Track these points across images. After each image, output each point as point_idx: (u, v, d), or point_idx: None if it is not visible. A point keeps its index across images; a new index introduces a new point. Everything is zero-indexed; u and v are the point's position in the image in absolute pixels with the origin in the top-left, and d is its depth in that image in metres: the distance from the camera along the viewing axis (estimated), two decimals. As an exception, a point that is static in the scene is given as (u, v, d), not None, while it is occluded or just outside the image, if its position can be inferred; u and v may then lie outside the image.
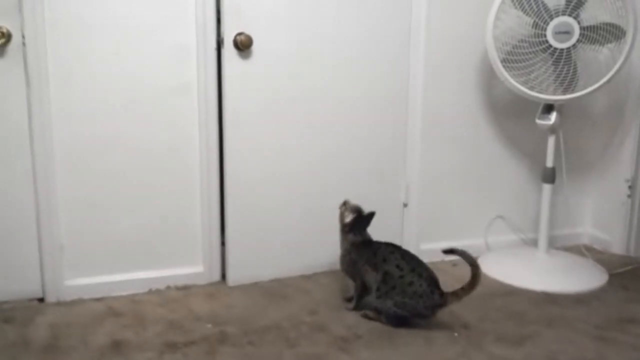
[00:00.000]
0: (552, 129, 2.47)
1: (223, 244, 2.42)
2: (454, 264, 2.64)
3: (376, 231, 2.49)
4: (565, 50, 2.30)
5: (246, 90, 2.30)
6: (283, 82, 2.35)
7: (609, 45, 2.30)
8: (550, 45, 2.31)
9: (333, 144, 2.46)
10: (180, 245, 2.37)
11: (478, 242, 2.74)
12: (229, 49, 2.24)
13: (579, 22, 2.29)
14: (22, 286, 2.19)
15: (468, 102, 2.65)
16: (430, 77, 2.56)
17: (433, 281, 2.05)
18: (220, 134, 2.33)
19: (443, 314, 2.13)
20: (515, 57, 2.35)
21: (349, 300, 2.23)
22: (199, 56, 2.25)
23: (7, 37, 2.02)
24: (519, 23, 2.34)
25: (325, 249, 2.52)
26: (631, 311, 2.25)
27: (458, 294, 2.04)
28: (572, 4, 2.28)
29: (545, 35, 2.30)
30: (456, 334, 2.05)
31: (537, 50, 2.33)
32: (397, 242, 2.62)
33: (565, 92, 2.35)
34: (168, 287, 2.35)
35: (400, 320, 2.07)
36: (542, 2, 2.29)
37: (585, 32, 2.29)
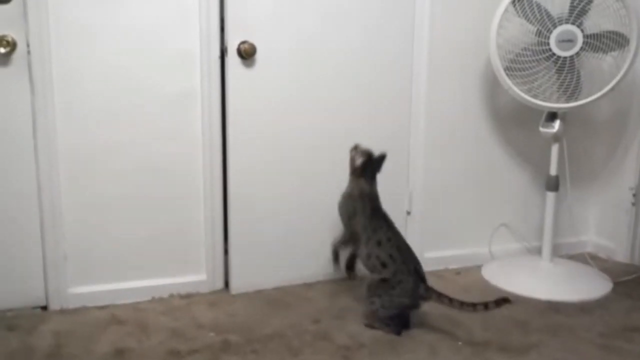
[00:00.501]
0: (556, 137, 2.46)
1: (226, 252, 2.42)
2: (457, 272, 2.65)
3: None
4: (568, 59, 2.30)
5: (250, 98, 2.30)
6: (286, 90, 2.35)
7: (613, 53, 2.30)
8: (554, 54, 2.31)
9: (336, 152, 2.45)
10: (183, 253, 2.37)
11: (482, 250, 2.74)
12: (232, 57, 2.25)
13: (582, 30, 2.29)
14: (26, 294, 2.19)
15: (471, 110, 2.65)
16: (433, 85, 2.56)
17: (419, 276, 2.06)
18: (224, 142, 2.34)
19: (446, 323, 2.13)
20: (518, 65, 2.35)
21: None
22: (202, 64, 2.25)
23: (12, 45, 2.03)
24: (522, 31, 2.35)
25: (328, 257, 2.51)
26: (636, 320, 2.24)
27: (442, 299, 2.02)
28: (576, 12, 2.28)
29: (548, 44, 2.30)
30: (460, 343, 2.05)
31: (540, 59, 2.33)
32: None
33: (568, 100, 2.35)
34: (171, 295, 2.35)
35: (397, 323, 2.07)
36: (546, 11, 2.30)
37: (589, 40, 2.29)
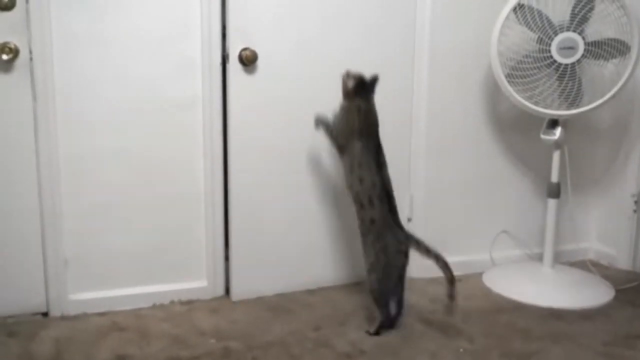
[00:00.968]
0: (557, 144, 2.46)
1: (227, 258, 2.42)
2: (458, 279, 2.63)
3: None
4: (569, 66, 2.31)
5: (251, 104, 2.31)
6: (288, 97, 2.36)
7: (614, 60, 2.30)
8: (555, 61, 2.31)
9: (338, 158, 2.46)
10: (184, 259, 2.37)
11: (483, 257, 2.74)
12: (234, 64, 2.26)
13: (583, 38, 2.29)
14: (27, 300, 2.19)
15: (473, 117, 2.65)
16: (434, 91, 2.56)
17: (397, 226, 2.10)
18: (225, 148, 2.34)
19: (448, 330, 2.12)
20: (519, 72, 2.35)
21: None
22: (204, 71, 2.26)
23: (15, 52, 2.03)
24: (523, 38, 2.35)
25: (330, 263, 2.52)
26: (638, 327, 2.23)
27: (420, 247, 2.10)
28: (577, 19, 2.28)
29: (549, 51, 2.31)
30: (461, 350, 2.04)
31: (541, 66, 2.33)
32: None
33: (569, 107, 2.35)
34: (172, 302, 2.34)
35: (391, 303, 2.13)
36: (547, 18, 2.30)
37: (590, 48, 2.29)
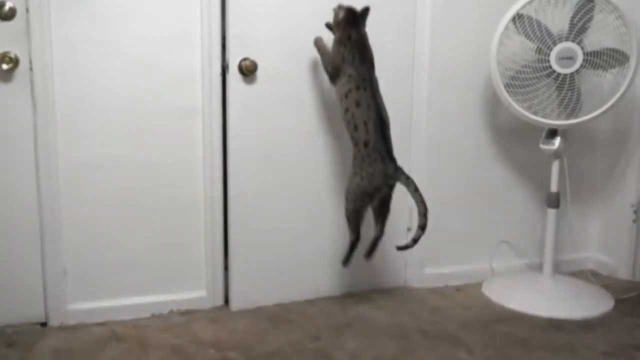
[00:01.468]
0: (556, 154, 2.47)
1: (226, 268, 2.42)
2: (457, 289, 2.64)
3: (380, 255, 2.49)
4: (568, 76, 2.31)
5: (251, 114, 2.31)
6: (287, 107, 2.36)
7: (613, 70, 2.30)
8: (554, 71, 2.32)
9: (338, 168, 2.46)
10: (183, 269, 2.36)
11: (482, 266, 2.73)
12: (233, 74, 2.26)
13: (582, 48, 2.30)
14: (25, 310, 2.19)
15: (472, 126, 2.66)
16: (433, 101, 2.56)
17: (390, 157, 2.11)
18: (225, 159, 2.34)
19: (447, 341, 2.12)
20: (518, 82, 2.36)
21: None
22: (204, 81, 2.26)
23: (15, 62, 2.04)
24: (522, 48, 2.36)
25: (329, 274, 2.51)
26: (638, 338, 2.22)
27: (409, 184, 2.11)
28: (576, 29, 2.29)
29: (548, 61, 2.31)
30: (461, 361, 2.04)
31: (540, 76, 2.33)
32: (401, 266, 2.64)
33: (569, 117, 2.35)
34: (171, 312, 2.34)
35: (357, 221, 2.18)
36: (546, 28, 2.31)
37: (589, 58, 2.30)
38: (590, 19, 2.29)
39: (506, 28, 2.33)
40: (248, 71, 2.26)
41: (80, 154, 2.17)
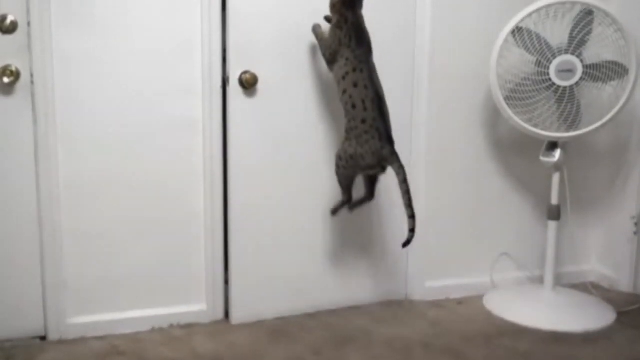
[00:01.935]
0: (557, 166, 2.47)
1: (226, 282, 2.41)
2: (459, 302, 2.63)
3: (380, 268, 2.48)
4: (568, 88, 2.32)
5: (251, 127, 2.31)
6: (287, 119, 2.36)
7: (612, 83, 2.31)
8: (554, 83, 2.32)
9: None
10: (183, 283, 2.35)
11: (484, 279, 2.72)
12: (234, 87, 2.27)
13: (581, 61, 2.31)
14: (24, 324, 2.17)
15: (472, 138, 2.66)
16: (434, 114, 2.57)
17: (388, 138, 2.12)
18: (225, 171, 2.34)
19: (449, 355, 2.11)
20: (518, 94, 2.36)
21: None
22: (204, 94, 2.27)
23: (16, 75, 2.04)
24: (522, 61, 2.36)
25: (330, 287, 2.50)
26: (640, 351, 2.22)
27: (400, 171, 2.12)
28: (575, 42, 2.30)
29: (548, 74, 2.32)
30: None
31: (540, 88, 2.34)
32: (402, 279, 2.63)
33: (569, 129, 2.36)
34: (171, 326, 2.33)
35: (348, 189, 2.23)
36: (545, 41, 2.32)
37: (588, 70, 2.31)
38: (589, 32, 2.30)
39: (506, 41, 2.35)
40: (248, 84, 2.26)
41: (81, 166, 2.17)
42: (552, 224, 2.52)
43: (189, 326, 2.34)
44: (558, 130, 2.37)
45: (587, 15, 2.29)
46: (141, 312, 2.30)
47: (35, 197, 2.12)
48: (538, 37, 2.32)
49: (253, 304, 2.40)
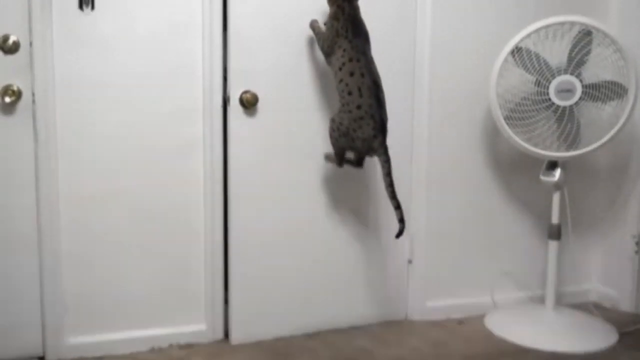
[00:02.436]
0: (557, 186, 2.47)
1: (226, 301, 2.40)
2: (460, 322, 2.61)
3: (381, 288, 2.47)
4: (568, 108, 2.32)
5: (251, 147, 2.32)
6: (288, 139, 2.37)
7: (612, 103, 2.32)
8: (553, 103, 2.33)
9: (338, 200, 2.46)
10: (183, 303, 2.34)
11: (485, 299, 2.70)
12: (234, 107, 2.27)
13: (580, 81, 2.32)
14: (23, 344, 2.16)
15: (473, 157, 2.66)
16: (434, 132, 2.57)
17: (382, 130, 2.16)
18: (226, 191, 2.34)
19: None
20: (518, 114, 2.37)
21: None
22: (205, 114, 2.27)
23: (18, 95, 2.05)
24: (521, 81, 2.37)
25: (330, 308, 2.49)
26: (643, 372, 2.20)
27: (385, 166, 2.18)
28: (574, 62, 2.31)
29: (547, 93, 2.33)
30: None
31: (540, 108, 2.35)
32: (403, 299, 2.62)
33: (568, 149, 2.36)
34: (170, 346, 2.31)
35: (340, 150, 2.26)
36: (544, 61, 2.33)
37: (588, 90, 2.31)
38: (588, 52, 2.32)
39: (505, 61, 2.36)
40: (249, 103, 2.27)
41: (81, 187, 2.17)
42: (553, 244, 2.51)
43: (188, 346, 2.32)
44: (558, 149, 2.38)
45: (586, 35, 2.31)
46: (140, 332, 2.28)
47: (35, 216, 2.12)
48: (537, 57, 2.33)
49: (253, 324, 2.39)
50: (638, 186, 2.73)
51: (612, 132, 2.31)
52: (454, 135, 2.62)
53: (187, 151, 2.28)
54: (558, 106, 2.33)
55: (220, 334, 2.40)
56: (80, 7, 2.11)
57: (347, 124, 2.16)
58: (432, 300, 2.63)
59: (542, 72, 2.32)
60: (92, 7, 2.12)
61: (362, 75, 2.13)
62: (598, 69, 2.33)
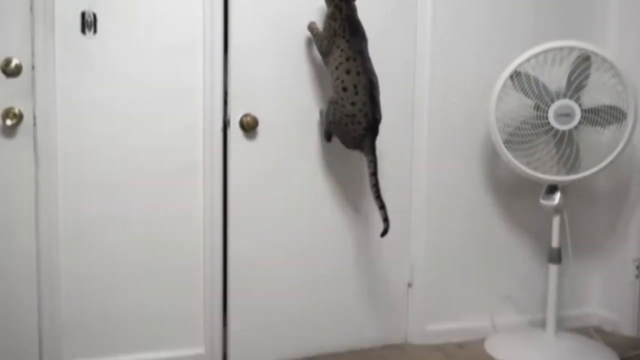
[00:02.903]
0: (557, 209, 2.46)
1: (225, 324, 2.39)
2: (460, 346, 2.60)
3: (381, 312, 2.46)
4: (567, 132, 2.33)
5: (251, 170, 2.32)
6: (287, 162, 2.37)
7: (611, 127, 2.32)
8: (552, 127, 2.34)
9: (337, 223, 2.46)
10: (181, 326, 2.33)
11: (485, 323, 2.69)
12: (235, 130, 2.28)
13: (579, 105, 2.32)
14: (20, 367, 2.15)
15: (473, 181, 2.66)
16: (434, 156, 2.58)
17: (373, 131, 2.19)
18: (225, 214, 2.34)
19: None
20: (517, 138, 2.37)
21: None
22: (205, 137, 2.28)
23: (19, 118, 2.06)
24: (520, 105, 2.38)
25: (330, 331, 2.48)
26: (644, 398, 2.18)
27: (370, 165, 2.21)
28: (573, 87, 2.32)
29: (547, 118, 2.33)
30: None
31: (539, 132, 2.35)
32: (402, 322, 2.61)
33: (568, 173, 2.36)
34: (168, 369, 2.30)
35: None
36: (543, 86, 2.34)
37: (587, 115, 2.32)
38: (587, 77, 2.33)
39: (504, 85, 2.37)
40: (249, 127, 2.28)
41: (81, 209, 2.17)
42: (553, 267, 2.50)
43: (186, 370, 2.31)
44: (557, 173, 2.38)
45: (585, 60, 2.32)
46: (139, 356, 2.27)
47: (34, 239, 2.12)
48: (536, 81, 2.34)
49: (252, 347, 2.38)
50: (638, 210, 2.73)
51: (611, 156, 2.32)
52: (454, 159, 2.62)
53: (187, 174, 2.28)
54: (557, 130, 2.33)
55: (218, 357, 2.38)
56: (83, 30, 2.13)
57: (339, 116, 2.19)
58: (432, 324, 2.62)
59: (541, 97, 2.33)
60: (95, 31, 2.14)
61: (358, 73, 2.15)
62: (597, 93, 2.34)
